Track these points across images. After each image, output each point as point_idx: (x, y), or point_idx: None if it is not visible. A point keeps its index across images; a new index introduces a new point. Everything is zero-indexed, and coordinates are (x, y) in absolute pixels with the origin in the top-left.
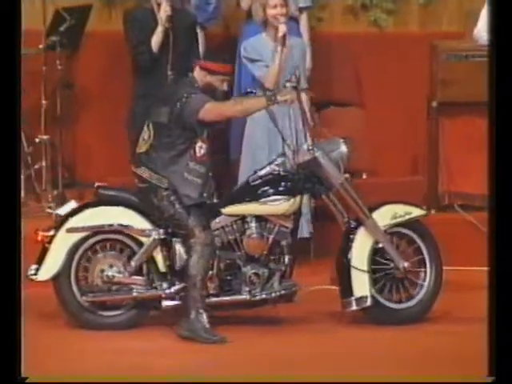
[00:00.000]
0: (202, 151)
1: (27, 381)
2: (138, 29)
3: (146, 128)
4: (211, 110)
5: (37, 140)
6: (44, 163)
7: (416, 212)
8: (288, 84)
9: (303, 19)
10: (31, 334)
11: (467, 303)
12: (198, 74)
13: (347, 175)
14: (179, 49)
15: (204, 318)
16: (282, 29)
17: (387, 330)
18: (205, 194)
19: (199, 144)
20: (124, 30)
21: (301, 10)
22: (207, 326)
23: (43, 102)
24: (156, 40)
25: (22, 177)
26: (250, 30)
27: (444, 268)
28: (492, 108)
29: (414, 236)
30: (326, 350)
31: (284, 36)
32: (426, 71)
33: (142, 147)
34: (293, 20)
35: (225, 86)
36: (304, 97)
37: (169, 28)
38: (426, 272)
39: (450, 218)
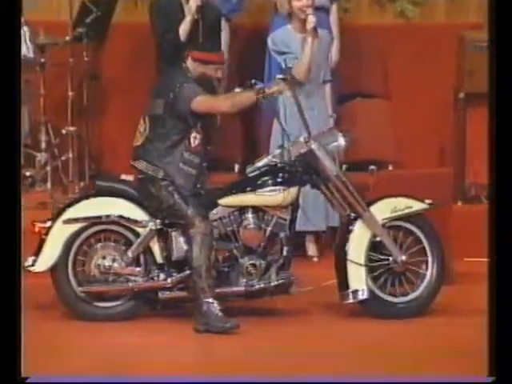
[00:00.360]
0: (197, 141)
1: (27, 381)
2: (165, 17)
3: (141, 121)
4: (202, 103)
5: (63, 131)
6: (71, 155)
7: (417, 206)
8: (276, 76)
9: (333, 10)
10: (30, 330)
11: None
12: (190, 64)
13: (373, 167)
14: (205, 40)
15: (215, 306)
16: (312, 20)
17: (385, 323)
18: (198, 185)
19: (193, 134)
20: (150, 20)
21: (332, 0)
22: (220, 314)
23: (70, 93)
24: (184, 29)
25: (49, 168)
26: (279, 22)
27: (470, 260)
28: (492, 100)
29: (415, 230)
30: (324, 343)
31: (315, 27)
32: (452, 62)
33: (138, 140)
34: (321, 11)
35: (219, 74)
36: (327, 88)
37: (198, 19)
38: (427, 266)
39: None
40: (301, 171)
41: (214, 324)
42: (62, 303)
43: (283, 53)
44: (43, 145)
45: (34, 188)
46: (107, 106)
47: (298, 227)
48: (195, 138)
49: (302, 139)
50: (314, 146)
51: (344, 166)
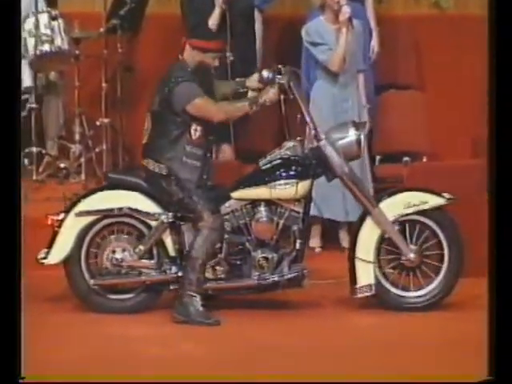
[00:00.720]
0: (198, 133)
1: (27, 381)
2: (195, 11)
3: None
4: (199, 108)
5: (98, 123)
6: (105, 146)
7: (433, 201)
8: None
9: (369, 1)
10: (31, 327)
11: None
12: (188, 54)
13: (407, 158)
14: (237, 30)
15: (197, 300)
16: (346, 10)
17: (385, 319)
18: (204, 176)
19: (194, 127)
20: (181, 12)
21: None
22: (201, 308)
23: (104, 85)
24: (212, 22)
25: (83, 160)
26: (314, 13)
27: None
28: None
29: (432, 224)
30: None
31: (349, 18)
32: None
33: (144, 138)
34: (356, 1)
35: (216, 62)
36: (361, 78)
37: (225, 10)
38: (442, 262)
39: None
40: (314, 164)
41: (195, 318)
42: (74, 295)
43: (317, 44)
44: (77, 136)
45: (68, 180)
46: (141, 98)
47: (338, 218)
48: (196, 131)
49: (312, 133)
50: (321, 143)
51: (378, 157)
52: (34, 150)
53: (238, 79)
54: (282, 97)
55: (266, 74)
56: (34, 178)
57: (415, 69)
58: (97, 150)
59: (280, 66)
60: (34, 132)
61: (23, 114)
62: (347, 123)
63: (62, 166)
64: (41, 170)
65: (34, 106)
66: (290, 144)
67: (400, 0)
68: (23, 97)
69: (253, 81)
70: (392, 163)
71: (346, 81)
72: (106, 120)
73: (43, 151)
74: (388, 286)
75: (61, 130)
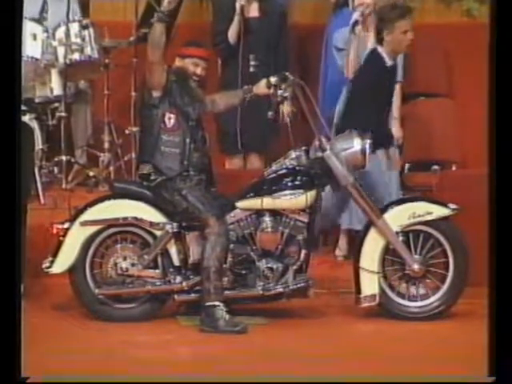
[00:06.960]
0: (172, 121)
1: (27, 381)
2: (219, 18)
3: None
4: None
5: (126, 132)
6: (133, 155)
7: (438, 212)
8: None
9: None
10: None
11: None
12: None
13: (436, 167)
14: (264, 38)
15: (221, 308)
16: (354, 16)
17: (387, 324)
18: (185, 162)
19: (167, 116)
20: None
21: None
22: (227, 317)
23: (133, 93)
24: (232, 31)
25: (112, 168)
26: (338, 19)
27: None
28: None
29: (438, 235)
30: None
31: (355, 23)
32: None
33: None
34: None
35: (198, 70)
36: (397, 89)
37: (241, 19)
38: (447, 273)
39: None
40: (320, 173)
41: (221, 328)
42: (79, 304)
43: (340, 49)
44: (106, 145)
45: (97, 188)
46: None
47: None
48: (170, 119)
49: (316, 144)
50: (326, 154)
51: (407, 166)
52: (64, 158)
53: (245, 87)
54: (284, 106)
55: (273, 79)
56: (64, 186)
57: (445, 76)
58: (125, 158)
59: (287, 74)
60: (64, 140)
61: (53, 122)
62: (352, 133)
63: (91, 174)
64: (70, 178)
65: (63, 114)
66: (294, 154)
67: (431, 8)
68: (53, 105)
69: (261, 87)
70: (421, 172)
71: None
72: (134, 128)
73: (72, 160)
74: (393, 295)
75: (90, 138)
